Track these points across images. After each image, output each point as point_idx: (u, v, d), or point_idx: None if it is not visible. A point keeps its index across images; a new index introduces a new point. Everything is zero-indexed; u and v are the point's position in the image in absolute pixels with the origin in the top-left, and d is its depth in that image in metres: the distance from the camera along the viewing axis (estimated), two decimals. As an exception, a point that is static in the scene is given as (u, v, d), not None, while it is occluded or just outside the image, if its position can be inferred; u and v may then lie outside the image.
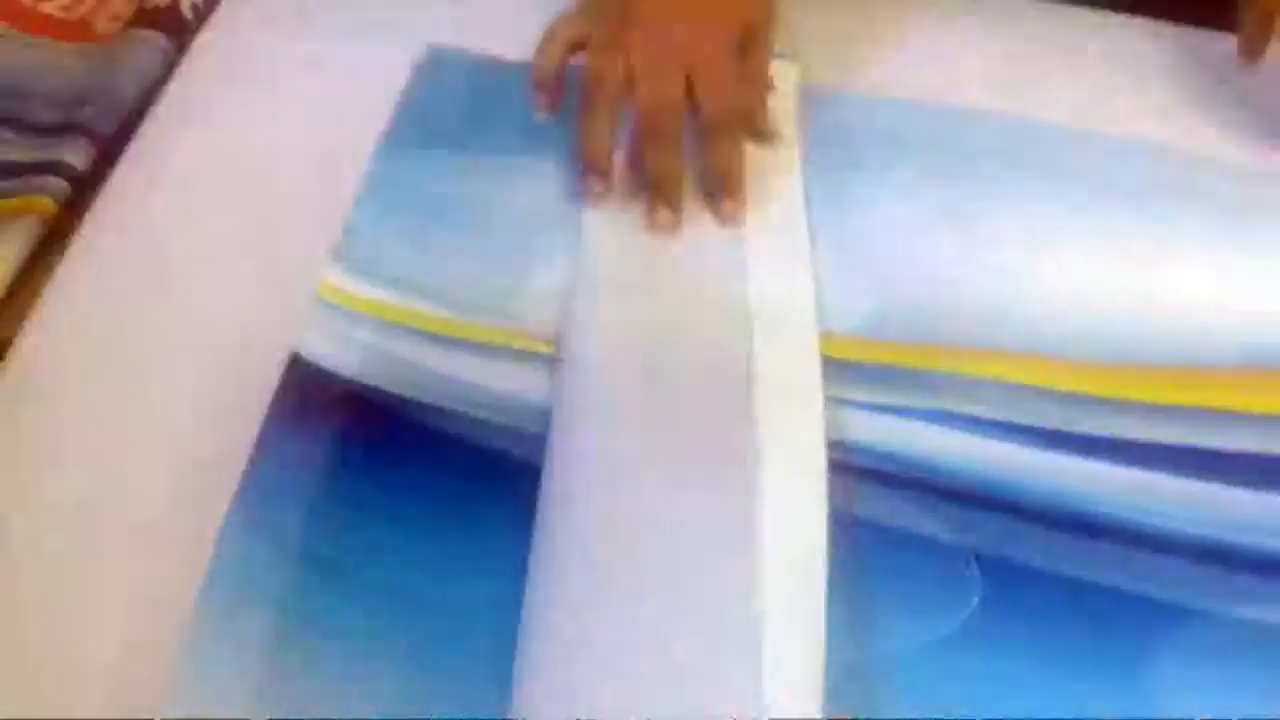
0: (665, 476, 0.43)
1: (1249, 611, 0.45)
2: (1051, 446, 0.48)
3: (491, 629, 0.41)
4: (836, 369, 0.49)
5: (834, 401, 0.48)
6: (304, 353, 0.47)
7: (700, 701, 0.38)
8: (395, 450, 0.46)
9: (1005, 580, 0.45)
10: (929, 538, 0.45)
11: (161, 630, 0.41)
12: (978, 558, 0.45)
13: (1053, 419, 0.48)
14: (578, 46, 0.54)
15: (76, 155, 0.54)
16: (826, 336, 0.49)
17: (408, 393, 0.47)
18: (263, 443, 0.45)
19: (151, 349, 0.49)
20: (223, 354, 0.48)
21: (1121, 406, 0.49)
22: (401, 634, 0.42)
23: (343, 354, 0.48)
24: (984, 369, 0.49)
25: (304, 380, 0.47)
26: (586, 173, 0.52)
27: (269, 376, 0.46)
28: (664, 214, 0.51)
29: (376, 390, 0.47)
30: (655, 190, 0.51)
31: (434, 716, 0.40)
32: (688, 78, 0.51)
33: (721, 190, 0.52)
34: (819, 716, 0.38)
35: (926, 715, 0.41)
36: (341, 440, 0.46)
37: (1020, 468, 0.47)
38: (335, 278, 0.50)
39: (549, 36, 0.55)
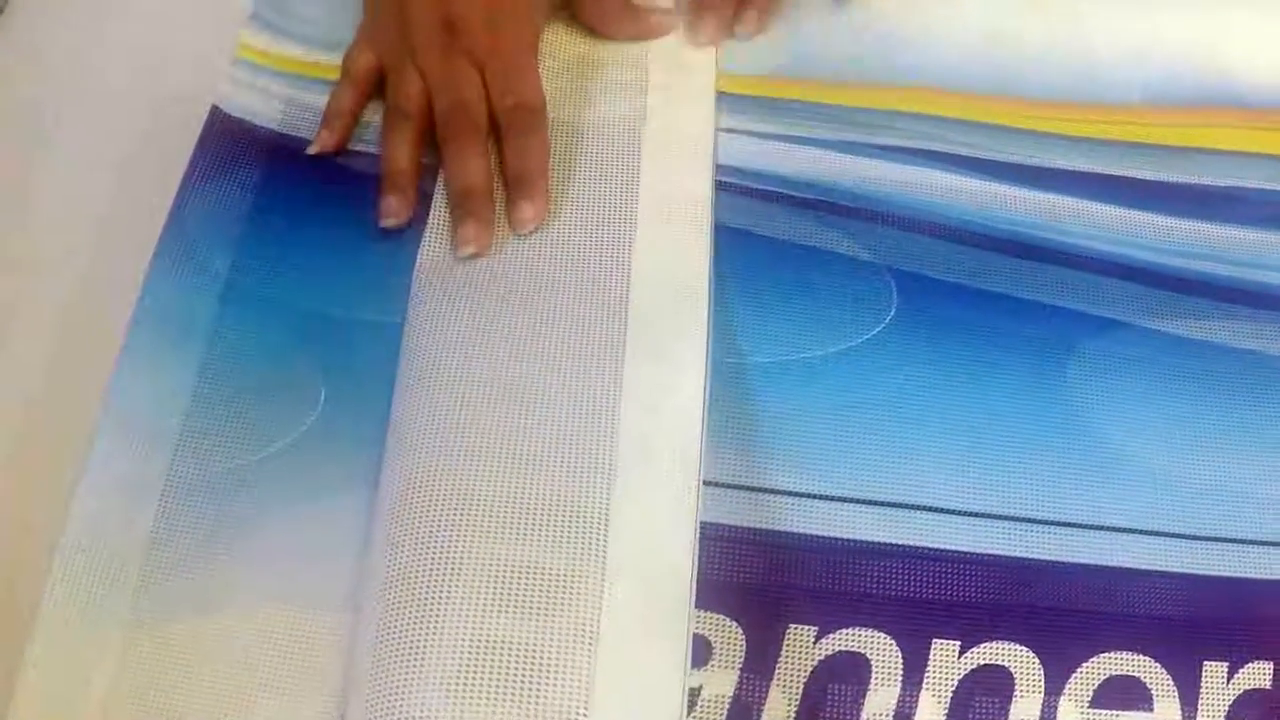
0: None
1: (1163, 325, 0.47)
2: (970, 171, 0.49)
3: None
4: (746, 104, 0.50)
5: (746, 135, 0.49)
6: (227, 108, 0.48)
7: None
8: (312, 190, 0.46)
9: (921, 295, 0.46)
10: (850, 257, 0.46)
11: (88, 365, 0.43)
12: (894, 274, 0.46)
13: (975, 147, 0.49)
14: (374, 75, 0.48)
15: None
16: (729, 76, 0.50)
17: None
18: (186, 186, 0.46)
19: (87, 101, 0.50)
20: (151, 110, 0.50)
21: (1033, 136, 0.50)
22: (317, 356, 0.43)
23: (263, 106, 0.48)
24: (898, 103, 0.50)
25: (225, 129, 0.47)
26: (384, 193, 0.46)
27: (192, 129, 0.47)
28: (469, 228, 0.44)
29: (295, 137, 0.48)
30: (458, 204, 0.45)
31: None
32: (483, 76, 0.47)
33: (519, 192, 0.45)
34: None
35: (839, 413, 0.43)
36: (262, 182, 0.46)
37: (941, 189, 0.48)
38: (253, 38, 0.50)
39: (342, 75, 0.49)
